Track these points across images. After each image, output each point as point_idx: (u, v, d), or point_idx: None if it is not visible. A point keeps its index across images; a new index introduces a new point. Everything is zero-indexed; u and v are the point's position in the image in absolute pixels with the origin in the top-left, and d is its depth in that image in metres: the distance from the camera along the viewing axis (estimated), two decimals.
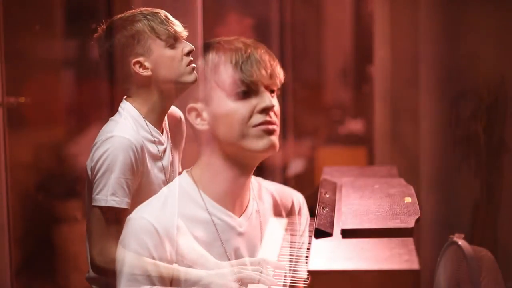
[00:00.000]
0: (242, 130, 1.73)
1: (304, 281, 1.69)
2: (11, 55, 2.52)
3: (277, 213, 1.90)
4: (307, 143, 4.35)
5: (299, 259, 1.81)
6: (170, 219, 1.71)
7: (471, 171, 2.43)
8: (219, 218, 1.76)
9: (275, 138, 1.75)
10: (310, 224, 1.92)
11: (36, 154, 2.87)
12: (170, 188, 1.78)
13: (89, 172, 1.86)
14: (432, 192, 2.72)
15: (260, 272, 1.68)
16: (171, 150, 1.97)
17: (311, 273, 1.42)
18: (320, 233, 1.60)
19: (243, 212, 1.80)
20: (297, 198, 1.96)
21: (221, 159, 1.76)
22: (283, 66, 1.82)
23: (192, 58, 1.88)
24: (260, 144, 1.74)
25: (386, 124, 3.39)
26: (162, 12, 1.91)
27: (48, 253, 2.80)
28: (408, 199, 1.76)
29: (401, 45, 3.18)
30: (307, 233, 1.92)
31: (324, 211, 1.72)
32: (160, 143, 1.92)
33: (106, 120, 1.92)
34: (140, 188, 1.87)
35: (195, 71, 1.87)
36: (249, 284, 1.67)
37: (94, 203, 1.84)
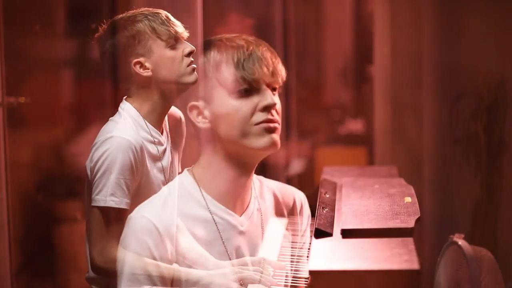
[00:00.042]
0: (243, 128, 1.72)
1: (305, 281, 1.69)
2: (11, 55, 2.52)
3: (279, 211, 1.90)
4: (307, 143, 4.35)
5: (300, 259, 1.81)
6: (171, 218, 1.71)
7: (471, 171, 2.43)
8: (220, 217, 1.76)
9: (276, 136, 1.75)
10: (311, 224, 1.92)
11: (36, 154, 2.87)
12: (171, 187, 1.78)
13: (89, 173, 1.86)
14: (432, 192, 2.72)
15: (260, 272, 1.68)
16: (170, 151, 1.97)
17: (311, 273, 1.42)
18: (320, 233, 1.59)
19: (244, 210, 1.80)
20: (299, 197, 1.95)
21: (222, 157, 1.76)
22: (283, 66, 1.82)
23: (192, 59, 1.88)
24: (261, 142, 1.73)
25: (386, 124, 3.39)
26: (163, 13, 1.91)
27: (48, 253, 2.80)
28: (408, 199, 1.76)
29: (401, 45, 3.18)
30: (308, 233, 1.92)
31: (324, 211, 1.71)
32: (160, 143, 1.92)
33: (106, 120, 1.92)
34: (139, 188, 1.87)
35: (195, 72, 1.87)
36: (249, 284, 1.67)
37: (93, 204, 1.84)
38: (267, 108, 1.73)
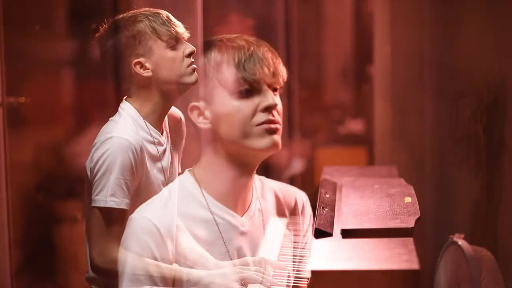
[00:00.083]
0: (244, 129, 1.72)
1: (307, 281, 1.69)
2: (11, 55, 2.52)
3: (280, 211, 1.89)
4: (307, 143, 4.35)
5: (302, 259, 1.80)
6: (172, 219, 1.71)
7: (471, 171, 2.43)
8: (221, 218, 1.76)
9: (277, 137, 1.75)
10: (312, 224, 1.92)
11: (36, 154, 2.87)
12: (172, 188, 1.78)
13: (89, 173, 1.86)
14: (432, 192, 2.72)
15: (261, 272, 1.68)
16: (170, 151, 1.97)
17: (311, 273, 1.42)
18: (320, 233, 1.59)
19: (246, 211, 1.80)
20: (300, 197, 1.95)
21: (223, 158, 1.75)
22: (285, 66, 1.81)
23: (193, 60, 1.88)
24: (262, 143, 1.73)
25: (386, 124, 3.39)
26: (164, 13, 1.91)
27: (48, 253, 2.80)
28: (408, 199, 1.76)
29: (401, 45, 3.18)
30: (310, 233, 1.91)
31: (324, 211, 1.71)
32: (160, 144, 1.92)
33: (106, 120, 1.92)
34: (139, 188, 1.87)
35: (195, 72, 1.87)
36: (249, 284, 1.67)
37: (93, 204, 1.84)
38: (268, 109, 1.73)
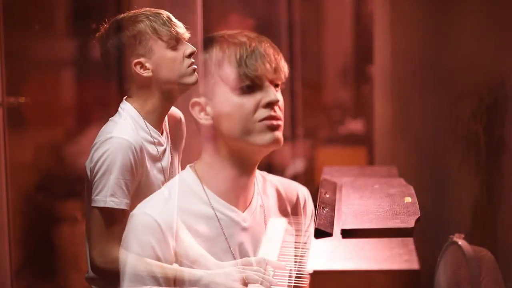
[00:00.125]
0: (246, 125, 1.72)
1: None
2: (11, 55, 2.52)
3: (282, 207, 1.89)
4: (307, 143, 4.36)
5: (304, 256, 1.80)
6: (173, 215, 1.71)
7: (471, 171, 2.42)
8: (223, 213, 1.75)
9: (279, 134, 1.74)
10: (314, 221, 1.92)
11: (36, 154, 2.87)
12: (172, 184, 1.78)
13: (88, 173, 1.86)
14: (432, 192, 2.72)
15: (261, 273, 1.68)
16: (170, 151, 1.97)
17: (311, 273, 1.42)
18: (320, 233, 1.59)
19: (247, 207, 1.80)
20: (302, 192, 1.95)
21: (225, 154, 1.75)
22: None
23: (193, 60, 1.88)
24: (264, 139, 1.73)
25: (386, 124, 3.39)
26: (165, 13, 1.91)
27: (48, 253, 2.80)
28: (408, 199, 1.76)
29: (401, 45, 3.18)
30: (312, 228, 1.91)
31: (324, 211, 1.71)
32: (160, 144, 1.92)
33: (106, 120, 1.92)
34: (139, 189, 1.87)
35: (196, 73, 1.87)
36: (249, 284, 1.67)
37: (93, 204, 1.84)
38: (270, 105, 1.72)
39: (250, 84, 1.72)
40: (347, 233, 1.58)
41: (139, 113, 1.90)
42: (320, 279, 1.39)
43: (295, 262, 1.78)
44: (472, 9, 2.47)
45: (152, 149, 1.90)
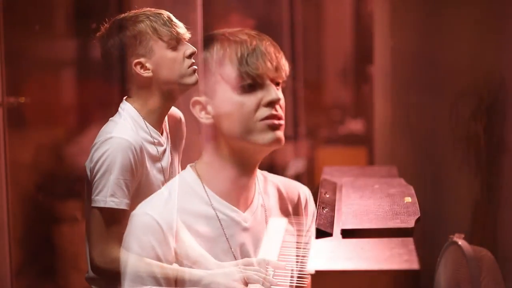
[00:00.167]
0: (247, 124, 1.71)
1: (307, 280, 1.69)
2: (11, 55, 2.52)
3: (283, 207, 1.88)
4: (307, 143, 4.35)
5: (306, 255, 1.80)
6: (173, 215, 1.71)
7: (471, 171, 2.42)
8: (223, 213, 1.75)
9: (280, 133, 1.73)
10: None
11: (36, 154, 2.87)
12: (173, 185, 1.78)
13: (88, 173, 1.86)
14: (432, 192, 2.72)
15: (262, 273, 1.68)
16: (170, 151, 1.97)
17: (311, 273, 1.42)
18: (320, 233, 1.59)
19: (248, 206, 1.79)
20: (304, 192, 1.94)
21: (226, 153, 1.75)
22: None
23: (194, 60, 1.88)
24: (265, 138, 1.72)
25: (386, 124, 3.39)
26: (165, 13, 1.91)
27: (48, 253, 2.80)
28: (408, 199, 1.76)
29: (401, 45, 3.18)
30: (313, 227, 1.91)
31: (324, 211, 1.71)
32: (160, 144, 1.92)
33: (106, 120, 1.92)
34: (139, 189, 1.87)
35: (196, 73, 1.87)
36: (249, 285, 1.67)
37: (93, 204, 1.84)
38: (272, 103, 1.72)
39: (251, 83, 1.71)
40: (347, 233, 1.58)
41: (139, 113, 1.90)
42: (320, 279, 1.40)
43: (297, 262, 1.78)
44: (472, 9, 2.47)
45: (152, 149, 1.91)
